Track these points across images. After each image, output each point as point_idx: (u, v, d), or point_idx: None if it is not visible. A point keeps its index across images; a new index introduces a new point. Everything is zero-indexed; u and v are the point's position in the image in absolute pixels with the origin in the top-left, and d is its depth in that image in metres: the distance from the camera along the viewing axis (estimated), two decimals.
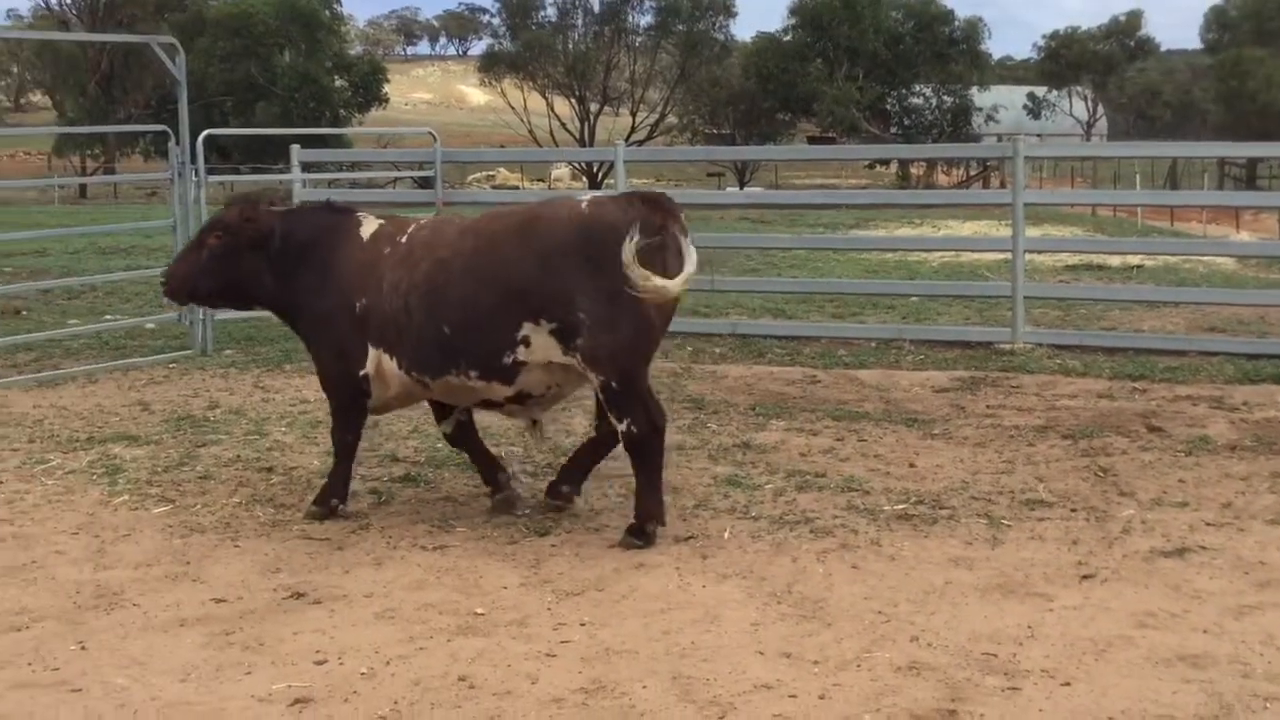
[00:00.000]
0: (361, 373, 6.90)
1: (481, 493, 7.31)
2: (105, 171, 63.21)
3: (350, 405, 7.05)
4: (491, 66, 72.96)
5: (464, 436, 7.35)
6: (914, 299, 14.89)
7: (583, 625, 5.48)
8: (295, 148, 14.20)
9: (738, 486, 7.53)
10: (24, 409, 9.75)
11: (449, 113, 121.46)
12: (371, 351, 6.87)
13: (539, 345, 6.55)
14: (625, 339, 6.46)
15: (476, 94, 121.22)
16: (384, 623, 5.53)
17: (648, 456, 6.60)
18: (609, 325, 6.41)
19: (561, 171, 65.67)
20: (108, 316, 14.43)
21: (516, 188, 58.51)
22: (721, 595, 5.80)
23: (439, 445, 8.51)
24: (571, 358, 6.51)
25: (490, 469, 7.29)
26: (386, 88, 69.39)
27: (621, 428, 6.54)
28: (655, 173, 66.67)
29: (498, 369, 6.66)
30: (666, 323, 6.70)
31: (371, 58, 76.50)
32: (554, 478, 7.20)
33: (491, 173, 63.81)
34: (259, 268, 7.12)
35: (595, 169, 60.52)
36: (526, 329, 6.54)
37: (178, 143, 12.26)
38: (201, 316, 12.09)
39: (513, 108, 68.67)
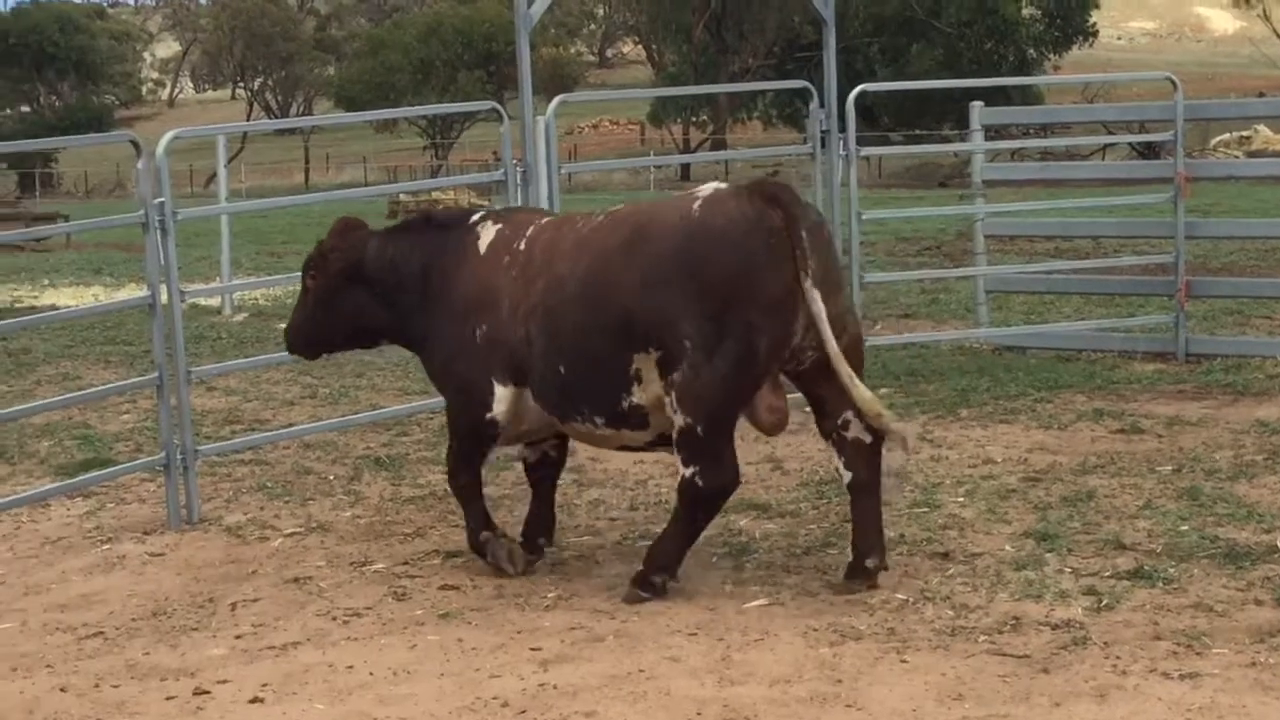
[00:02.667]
0: (489, 416, 7.97)
1: (1248, 600, 7.16)
2: (713, 145, 66.76)
3: (471, 447, 8.20)
4: None
5: (544, 475, 8.52)
6: None
7: None
8: (976, 105, 14.40)
9: None
10: (623, 464, 10.46)
11: (1180, 47, 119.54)
12: (500, 390, 7.91)
13: (650, 380, 7.47)
14: (723, 375, 7.30)
15: (1221, 18, 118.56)
16: None
17: (698, 516, 7.64)
18: (708, 356, 7.26)
19: None
20: None
21: None
22: None
23: (1183, 528, 8.39)
24: (666, 395, 7.39)
25: (537, 528, 8.44)
26: (1093, 16, 69.06)
27: (685, 473, 7.48)
28: None
29: (620, 415, 7.64)
30: (777, 356, 7.42)
31: None
32: (850, 559, 7.78)
33: (1246, 133, 61.98)
34: (367, 300, 8.45)
35: None
36: (637, 362, 7.47)
37: (822, 104, 12.60)
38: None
39: (1279, 34, 66.53)
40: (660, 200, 8.17)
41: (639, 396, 7.52)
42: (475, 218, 8.31)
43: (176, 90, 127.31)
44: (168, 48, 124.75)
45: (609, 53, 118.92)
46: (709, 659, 6.87)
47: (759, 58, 68.00)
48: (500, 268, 7.94)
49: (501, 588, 7.97)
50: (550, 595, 7.84)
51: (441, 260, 8.20)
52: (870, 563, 7.67)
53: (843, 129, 12.61)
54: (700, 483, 7.48)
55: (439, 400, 12.19)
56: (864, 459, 7.68)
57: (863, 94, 12.87)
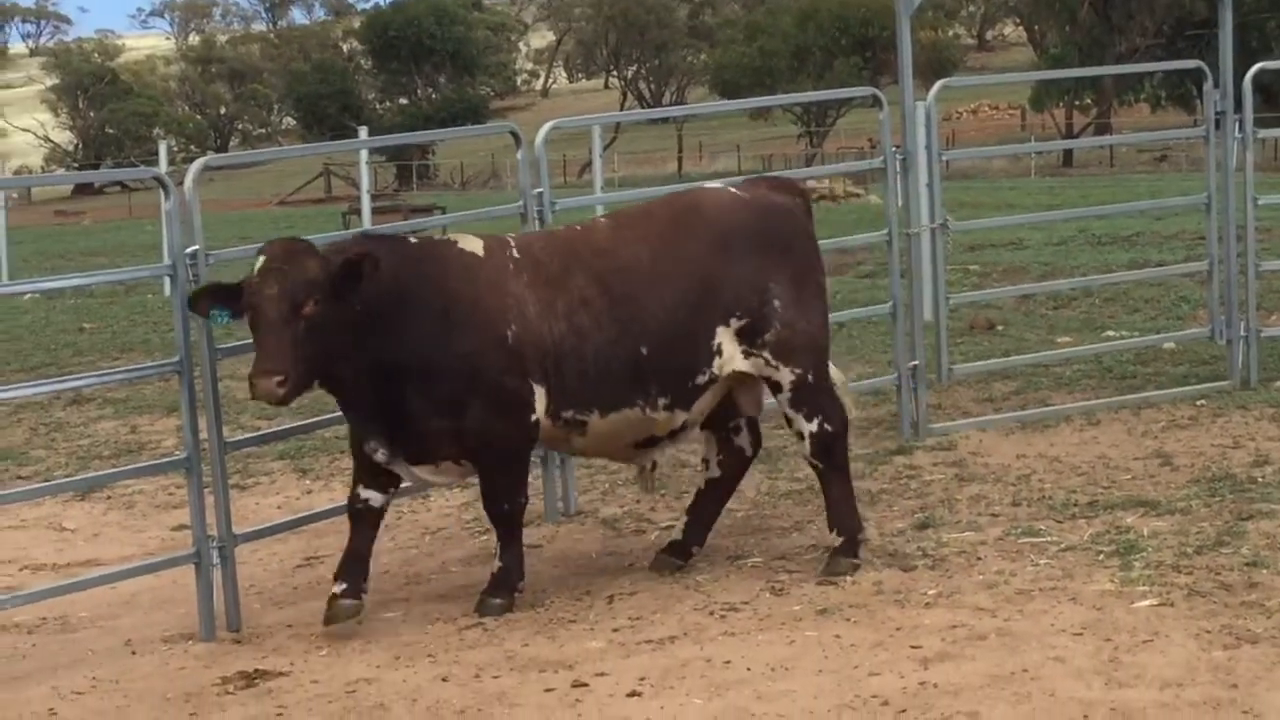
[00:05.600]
0: (534, 418, 7.85)
1: None
2: (1097, 129, 65.58)
3: (519, 462, 8.08)
4: None
5: (370, 520, 8.04)
6: None
7: None
8: None
9: None
10: (1005, 459, 10.42)
11: None
12: (537, 389, 7.82)
13: (728, 353, 8.11)
14: (818, 324, 8.32)
15: None
16: None
17: (840, 457, 8.36)
18: (802, 311, 8.18)
19: None
20: (1108, 332, 14.98)
21: None
22: None
23: None
24: (755, 359, 8.13)
25: (364, 566, 7.98)
26: None
27: (812, 428, 8.24)
28: None
29: (687, 392, 8.10)
30: None
31: None
32: (676, 536, 8.63)
33: None
34: (352, 328, 7.56)
35: None
36: (720, 335, 8.10)
37: (1216, 84, 12.25)
38: (1242, 334, 12.18)
39: None
40: (673, 192, 9.16)
41: (715, 368, 8.13)
42: (445, 236, 8.51)
43: (550, 80, 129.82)
44: (542, 38, 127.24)
45: (989, 35, 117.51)
46: (1096, 660, 6.80)
47: (1148, 37, 66.45)
48: (508, 273, 7.87)
49: (880, 584, 8.00)
50: (930, 592, 7.83)
51: (433, 271, 7.82)
52: (695, 549, 8.56)
53: (1238, 110, 12.25)
54: (830, 427, 8.27)
55: None
56: (739, 467, 8.71)
57: (1261, 72, 12.49)
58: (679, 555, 8.51)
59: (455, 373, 7.72)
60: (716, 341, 8.10)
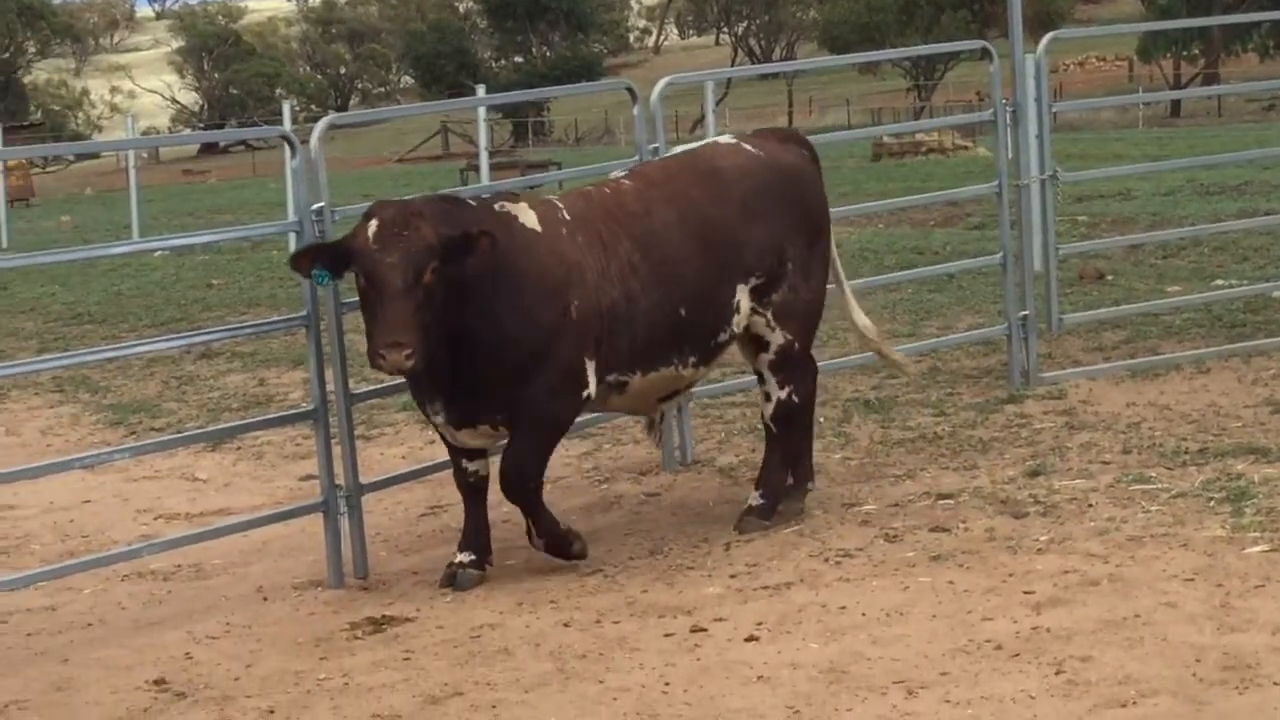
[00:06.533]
0: (585, 393, 7.67)
1: None
2: (1205, 79, 64.74)
3: (559, 434, 7.90)
4: None
5: (482, 488, 7.93)
6: None
7: None
8: None
9: None
10: (1115, 407, 10.32)
11: None
12: (589, 365, 7.62)
13: (744, 310, 8.10)
14: (819, 291, 8.39)
15: None
16: None
17: (802, 423, 8.47)
18: (807, 277, 8.26)
19: None
20: (1218, 282, 14.80)
21: None
22: None
23: None
24: (757, 317, 8.15)
25: (487, 535, 7.93)
26: None
27: (781, 395, 8.30)
28: None
29: (710, 350, 8.11)
30: None
31: None
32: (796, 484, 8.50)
33: None
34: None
35: None
36: (739, 293, 8.07)
37: None
38: None
39: None
40: (688, 151, 8.67)
41: (736, 325, 8.14)
42: (499, 202, 7.79)
43: (662, 37, 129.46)
44: None
45: None
46: (1208, 605, 6.75)
47: None
48: (562, 239, 7.62)
49: (992, 530, 7.95)
50: (1042, 539, 7.78)
51: (502, 238, 7.40)
52: (810, 486, 8.60)
53: None
54: (797, 399, 8.35)
55: (923, 343, 12.14)
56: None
57: None
58: (794, 498, 8.51)
59: (520, 343, 7.48)
60: (737, 300, 8.12)
